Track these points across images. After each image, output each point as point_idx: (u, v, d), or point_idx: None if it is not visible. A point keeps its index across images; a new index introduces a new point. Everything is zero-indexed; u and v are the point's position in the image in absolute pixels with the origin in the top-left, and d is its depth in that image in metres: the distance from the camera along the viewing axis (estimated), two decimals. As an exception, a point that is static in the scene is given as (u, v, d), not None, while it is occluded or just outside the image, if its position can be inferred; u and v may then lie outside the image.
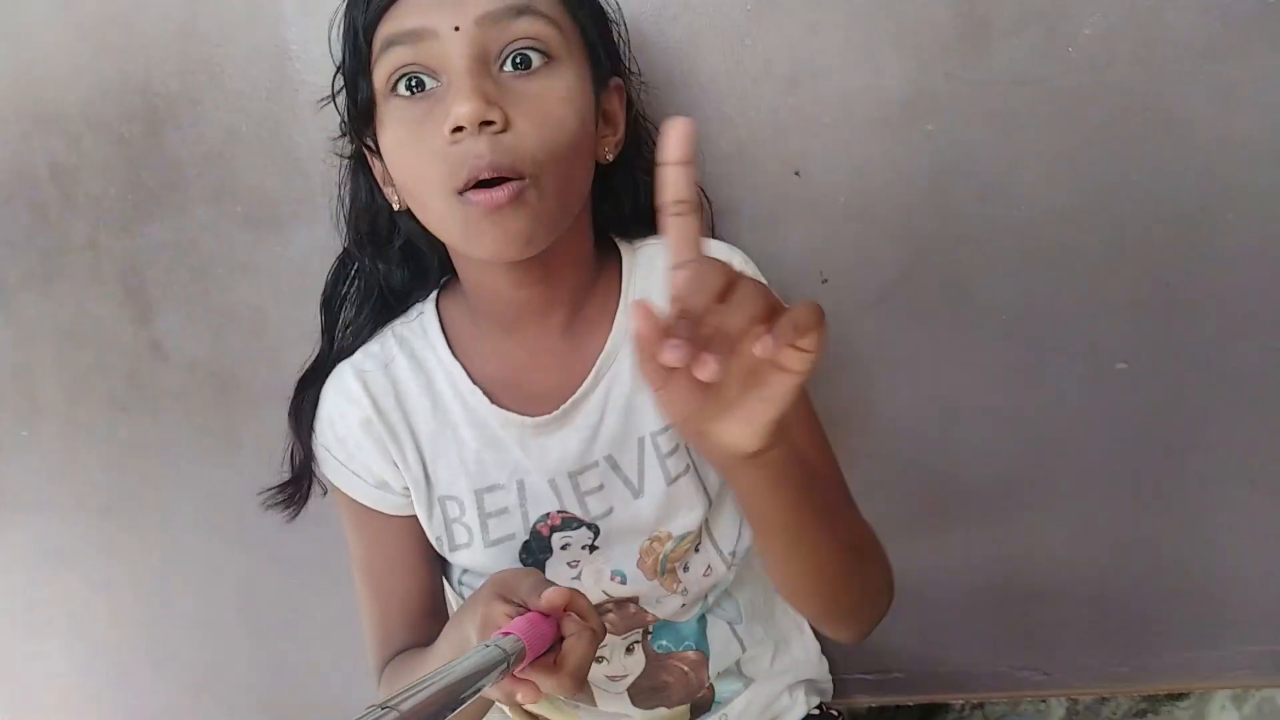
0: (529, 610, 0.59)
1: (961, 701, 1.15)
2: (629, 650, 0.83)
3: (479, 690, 0.51)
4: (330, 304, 0.86)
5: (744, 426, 0.51)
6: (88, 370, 1.08)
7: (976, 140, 0.93)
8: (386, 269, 0.83)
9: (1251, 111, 0.91)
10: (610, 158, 0.75)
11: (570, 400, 0.76)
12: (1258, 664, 1.08)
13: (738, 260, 0.79)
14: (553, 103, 0.66)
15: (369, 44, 0.68)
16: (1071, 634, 1.08)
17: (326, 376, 0.82)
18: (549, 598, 0.59)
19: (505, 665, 0.54)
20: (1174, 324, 0.97)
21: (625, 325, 0.76)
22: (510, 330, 0.77)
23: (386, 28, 0.66)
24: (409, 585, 0.81)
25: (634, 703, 0.85)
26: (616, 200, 0.80)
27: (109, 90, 0.98)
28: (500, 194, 0.63)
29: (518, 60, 0.65)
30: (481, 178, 0.63)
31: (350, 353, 0.82)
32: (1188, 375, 0.99)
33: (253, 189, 1.00)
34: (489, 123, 0.63)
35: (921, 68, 0.92)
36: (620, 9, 0.80)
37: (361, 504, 0.80)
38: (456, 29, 0.64)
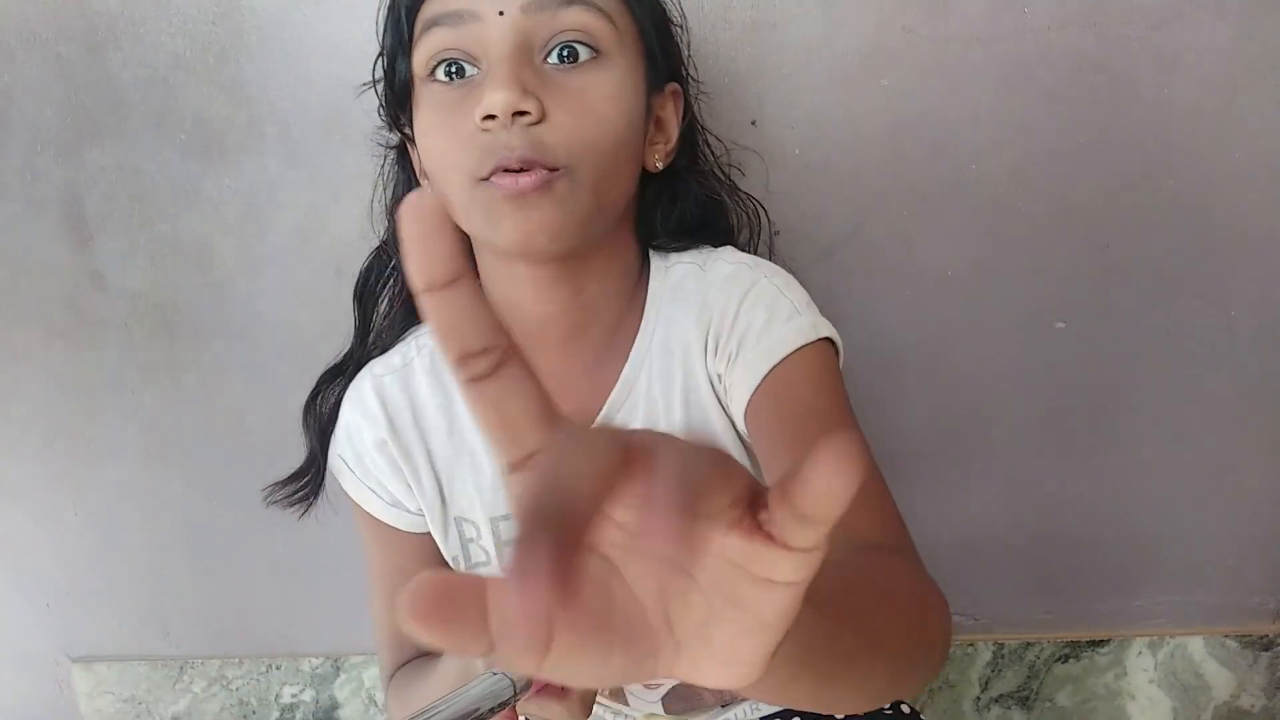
0: None
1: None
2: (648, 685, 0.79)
3: (485, 718, 0.51)
4: (363, 298, 0.82)
5: (723, 665, 0.31)
6: (24, 298, 1.05)
7: (931, 97, 0.94)
8: None
9: (1195, 80, 0.92)
10: (660, 166, 0.70)
11: None
12: (1173, 613, 1.14)
13: (744, 275, 0.70)
14: (597, 99, 0.62)
15: (411, 25, 0.64)
16: (1000, 582, 1.12)
17: (352, 374, 0.79)
18: None
19: (513, 694, 0.52)
20: (1111, 285, 1.00)
21: (643, 354, 0.71)
22: (533, 353, 0.72)
23: (430, 8, 0.63)
24: None
25: (666, 710, 0.83)
26: (665, 214, 0.75)
27: (45, 6, 0.95)
28: (526, 180, 0.59)
29: (564, 53, 0.61)
30: (509, 167, 0.59)
31: (381, 352, 0.79)
32: (1122, 336, 1.02)
33: (197, 116, 0.97)
34: (523, 113, 0.59)
35: (880, 22, 0.92)
36: (685, 15, 0.75)
37: (376, 519, 0.77)
38: (501, 13, 0.60)
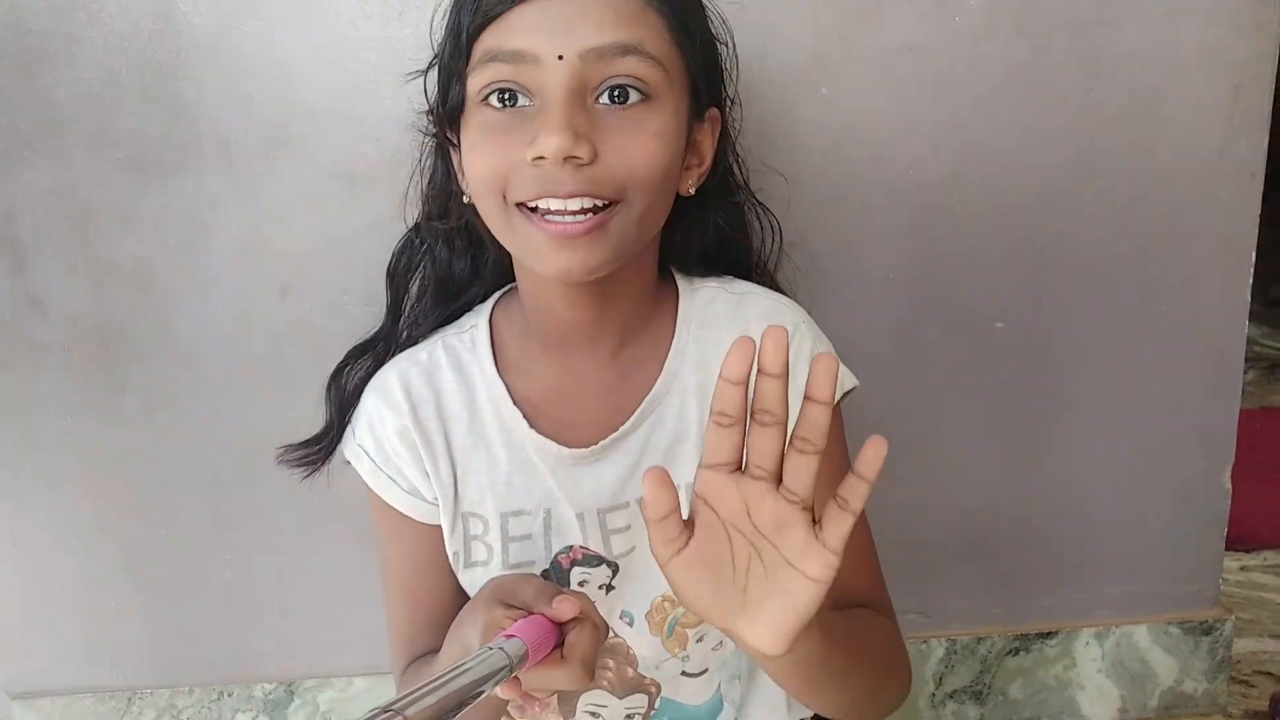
0: (530, 614, 0.59)
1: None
2: (628, 718, 0.81)
3: (482, 693, 0.51)
4: (393, 277, 0.83)
5: (766, 629, 0.53)
6: (-42, 323, 1.02)
7: (869, 104, 0.96)
8: (449, 255, 0.80)
9: (1119, 83, 0.96)
10: (692, 191, 0.72)
11: (610, 438, 0.73)
12: (1117, 603, 1.17)
13: (789, 321, 0.75)
14: (645, 136, 0.64)
15: (469, 49, 0.65)
16: (949, 579, 1.15)
17: (381, 354, 0.80)
18: (562, 607, 0.58)
19: (509, 668, 0.53)
20: (1046, 285, 1.03)
21: (676, 368, 0.74)
22: (558, 352, 0.75)
23: (490, 39, 0.64)
24: (435, 591, 0.79)
25: None
26: (686, 234, 0.77)
27: (-25, 25, 0.93)
28: (576, 227, 0.62)
29: (615, 93, 0.63)
30: (555, 195, 0.62)
31: (412, 339, 0.80)
32: (1057, 334, 1.05)
33: (135, 135, 0.96)
34: (574, 157, 0.61)
35: (818, 33, 0.94)
36: (732, 34, 0.76)
37: (393, 508, 0.77)
38: (560, 58, 0.61)
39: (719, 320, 0.75)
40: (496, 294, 0.80)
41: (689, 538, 0.54)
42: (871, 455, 0.50)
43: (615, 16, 0.62)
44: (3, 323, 1.02)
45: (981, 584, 1.15)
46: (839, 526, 0.51)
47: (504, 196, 0.65)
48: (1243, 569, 1.53)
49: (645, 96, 0.64)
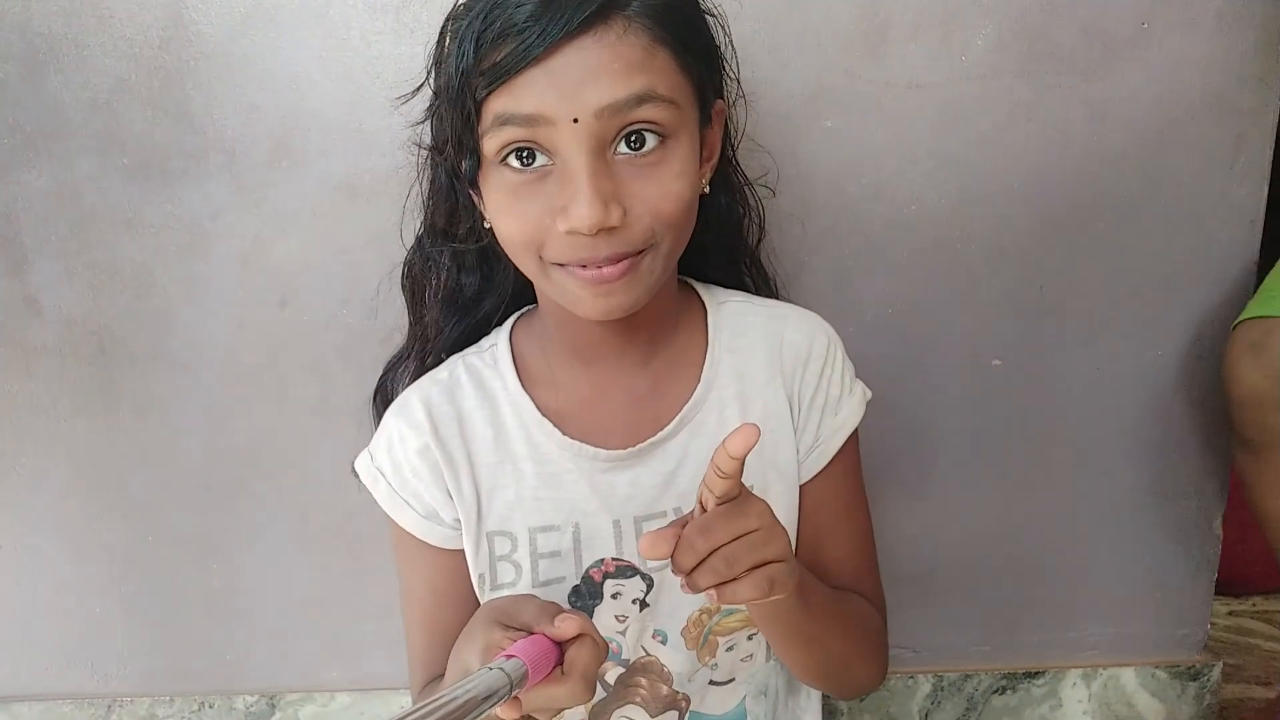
0: (530, 634, 0.59)
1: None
2: None
3: (482, 713, 0.51)
4: (411, 290, 0.83)
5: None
6: (-47, 322, 1.02)
7: (872, 139, 0.97)
8: (456, 269, 0.80)
9: (1121, 127, 0.97)
10: (707, 189, 0.72)
11: (649, 441, 0.74)
12: (1105, 645, 1.16)
13: (821, 341, 0.78)
14: (669, 179, 0.64)
15: (480, 112, 0.64)
16: (938, 615, 1.14)
17: (419, 360, 0.81)
18: (563, 626, 0.59)
19: (509, 687, 0.53)
20: (1044, 324, 1.03)
21: (713, 377, 0.76)
22: (586, 364, 0.75)
23: (500, 103, 0.62)
24: (452, 617, 0.77)
25: None
26: (696, 235, 0.76)
27: (-15, 26, 0.93)
28: (611, 271, 0.64)
29: (632, 140, 0.63)
30: (593, 261, 0.63)
31: (436, 350, 0.81)
32: (1054, 373, 1.05)
33: (140, 141, 0.96)
34: (608, 226, 0.62)
35: (824, 65, 0.94)
36: (724, 16, 0.74)
37: (410, 534, 0.77)
38: (575, 120, 0.61)
39: (752, 331, 0.77)
40: (516, 314, 0.80)
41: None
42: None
43: (625, 67, 0.61)
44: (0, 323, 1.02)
45: (970, 620, 1.15)
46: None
47: (540, 256, 0.65)
48: (1231, 614, 1.53)
49: (663, 138, 0.64)
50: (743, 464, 0.56)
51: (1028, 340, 1.04)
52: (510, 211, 0.65)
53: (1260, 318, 0.97)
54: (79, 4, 0.92)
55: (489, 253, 0.78)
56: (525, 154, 0.63)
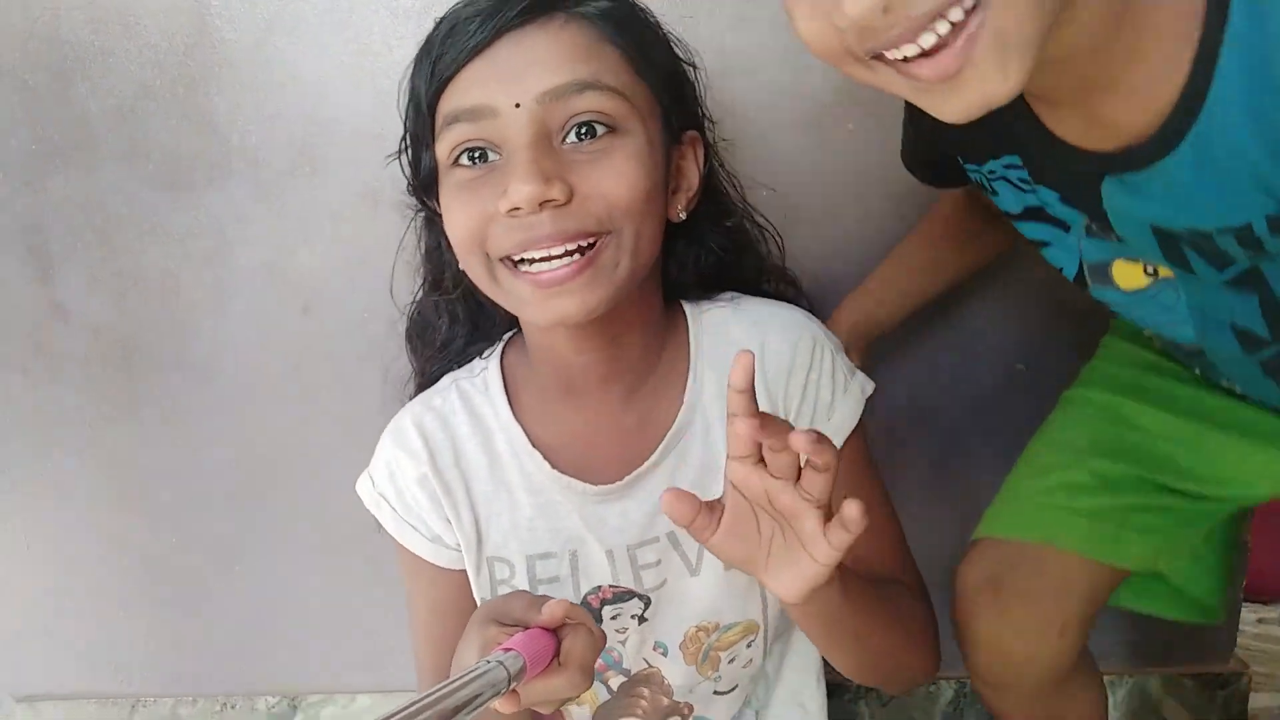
0: (526, 629, 0.60)
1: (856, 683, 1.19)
2: None
3: (480, 705, 0.51)
4: (410, 342, 0.85)
5: (784, 586, 0.60)
6: (-17, 329, 1.03)
7: (895, 141, 0.96)
8: (449, 324, 0.80)
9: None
10: (682, 215, 0.71)
11: (635, 473, 0.74)
12: (1132, 652, 1.15)
13: (805, 346, 0.75)
14: (619, 162, 0.63)
15: (432, 116, 0.66)
16: (962, 621, 1.13)
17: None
18: (551, 611, 0.59)
19: (507, 679, 0.53)
20: (1065, 329, 1.02)
21: (695, 399, 0.74)
22: (572, 395, 0.75)
23: (448, 103, 0.64)
24: (458, 634, 0.76)
25: None
26: (682, 261, 0.77)
27: (13, 35, 0.94)
28: (564, 272, 0.62)
29: (581, 131, 0.63)
30: (537, 247, 0.62)
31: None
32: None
33: (165, 149, 0.97)
34: (549, 200, 0.61)
35: (846, 69, 0.94)
36: (695, 53, 0.75)
37: (416, 555, 0.78)
38: (517, 105, 0.62)
39: (734, 343, 0.74)
40: (508, 334, 0.80)
41: (719, 518, 0.59)
42: (854, 513, 0.54)
43: (569, 55, 0.63)
44: (26, 330, 1.03)
45: (994, 628, 1.14)
46: (839, 536, 0.56)
47: (486, 253, 0.65)
48: (1260, 621, 1.51)
49: (611, 129, 0.64)
50: (753, 394, 0.55)
51: (1050, 345, 1.03)
52: (457, 207, 0.65)
53: (998, 539, 0.84)
54: (106, 13, 0.93)
55: (476, 304, 0.79)
56: (476, 153, 0.64)
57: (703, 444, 0.74)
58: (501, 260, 0.64)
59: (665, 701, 0.80)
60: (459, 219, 0.65)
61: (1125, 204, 0.61)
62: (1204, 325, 0.68)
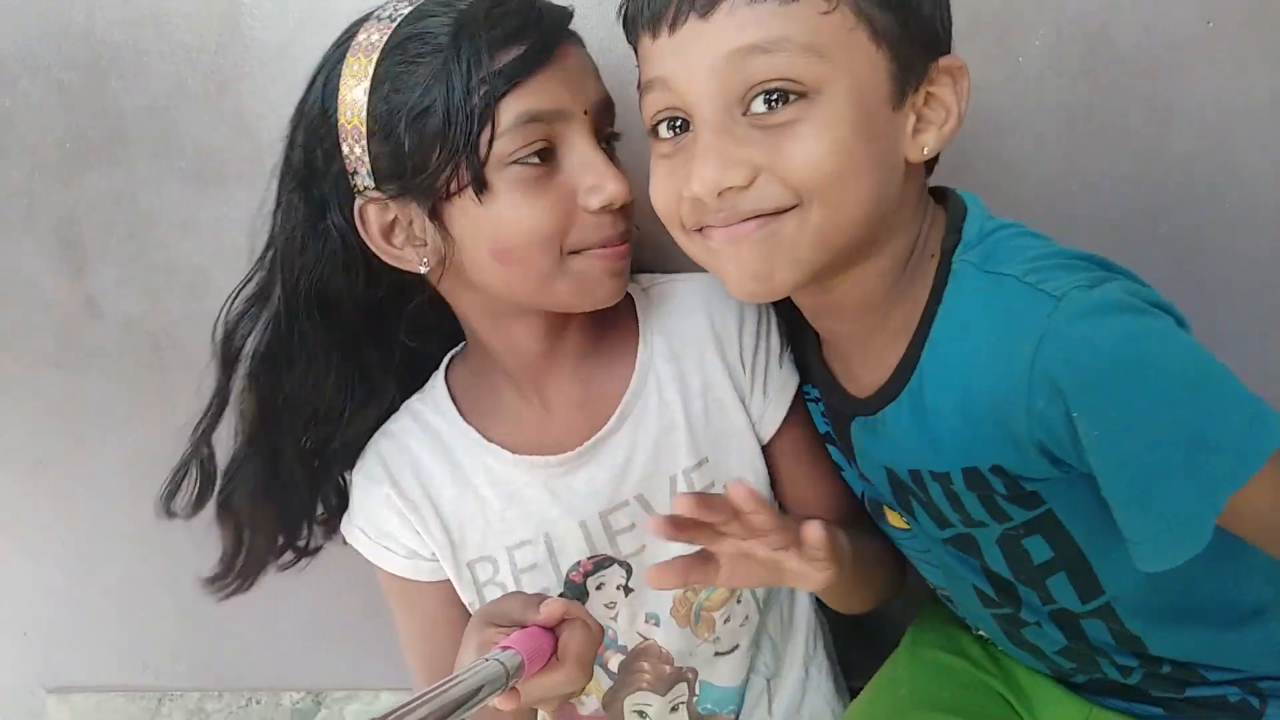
0: (524, 628, 0.61)
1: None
2: (673, 710, 0.84)
3: (479, 702, 0.52)
4: (226, 362, 0.83)
5: (806, 588, 0.66)
6: (17, 324, 1.05)
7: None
8: (324, 362, 0.76)
9: (1186, 129, 0.94)
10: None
11: (595, 437, 0.75)
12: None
13: (713, 297, 0.77)
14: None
15: (493, 112, 0.63)
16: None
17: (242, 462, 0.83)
18: (549, 609, 0.60)
19: (505, 676, 0.54)
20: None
21: (647, 363, 0.77)
22: (524, 381, 0.77)
23: (522, 102, 0.64)
24: (449, 644, 0.77)
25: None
26: None
27: (49, 33, 0.95)
28: (624, 249, 0.69)
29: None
30: (608, 242, 0.68)
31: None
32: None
33: (197, 145, 0.97)
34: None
35: (876, 66, 0.93)
36: None
37: (397, 575, 0.80)
38: (586, 112, 0.67)
39: (682, 306, 0.78)
40: (449, 355, 0.82)
41: (718, 567, 0.62)
42: (814, 536, 0.60)
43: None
44: (59, 324, 1.04)
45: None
46: (817, 556, 0.61)
47: (557, 246, 0.66)
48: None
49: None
50: (755, 497, 0.58)
51: (1085, 346, 1.01)
52: (527, 205, 0.65)
53: None
54: (140, 12, 0.94)
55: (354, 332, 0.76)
56: (542, 152, 0.66)
57: (658, 404, 0.76)
58: (570, 253, 0.68)
59: (668, 670, 0.81)
60: (527, 214, 0.66)
61: (866, 444, 0.71)
62: (948, 576, 0.75)
